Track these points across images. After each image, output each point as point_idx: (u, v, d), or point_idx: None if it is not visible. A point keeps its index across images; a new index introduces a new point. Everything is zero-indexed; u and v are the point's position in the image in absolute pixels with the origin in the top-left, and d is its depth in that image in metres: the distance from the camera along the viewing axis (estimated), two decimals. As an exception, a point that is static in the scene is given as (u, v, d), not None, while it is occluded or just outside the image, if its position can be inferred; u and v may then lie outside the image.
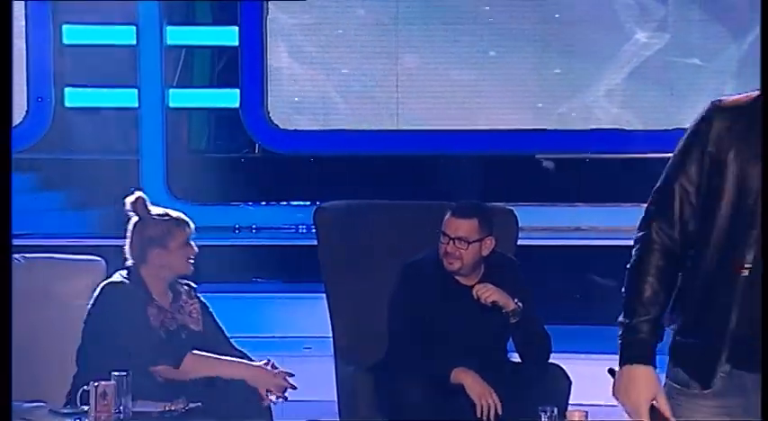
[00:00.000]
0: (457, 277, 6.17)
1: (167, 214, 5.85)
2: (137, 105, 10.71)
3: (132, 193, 5.87)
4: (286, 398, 5.74)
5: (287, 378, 5.72)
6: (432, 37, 10.64)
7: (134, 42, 10.66)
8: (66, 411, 5.41)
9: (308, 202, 9.30)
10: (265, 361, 5.79)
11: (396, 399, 5.97)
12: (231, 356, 5.82)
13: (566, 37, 10.52)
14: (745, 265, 3.32)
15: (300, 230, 9.99)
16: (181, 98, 10.92)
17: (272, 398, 5.69)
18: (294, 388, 5.73)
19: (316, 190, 9.75)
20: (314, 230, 6.74)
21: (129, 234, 5.85)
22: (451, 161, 10.50)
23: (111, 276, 5.82)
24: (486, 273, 6.19)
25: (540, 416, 5.74)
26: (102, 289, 5.68)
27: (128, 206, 5.81)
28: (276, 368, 5.75)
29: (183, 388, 5.53)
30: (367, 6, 10.67)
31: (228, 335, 5.99)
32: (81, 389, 5.21)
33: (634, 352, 3.44)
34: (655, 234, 3.45)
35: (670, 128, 9.99)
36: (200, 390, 5.52)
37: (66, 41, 10.60)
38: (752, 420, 3.34)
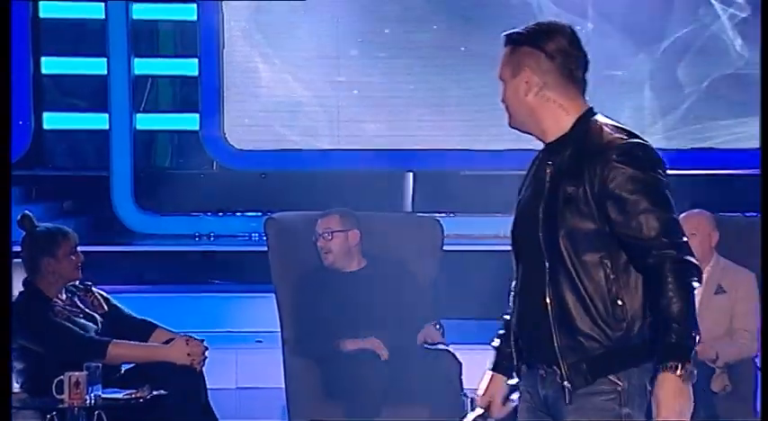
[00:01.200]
0: (339, 268, 6.30)
1: (53, 227, 5.86)
2: (108, 128, 10.65)
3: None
4: (204, 361, 5.66)
5: (201, 345, 5.67)
6: (369, 67, 10.65)
7: (105, 72, 10.61)
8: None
9: (260, 213, 9.25)
10: (184, 336, 5.72)
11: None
12: (136, 325, 5.82)
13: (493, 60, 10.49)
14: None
15: (253, 238, 9.96)
16: (147, 122, 10.90)
17: (196, 365, 5.63)
18: (207, 350, 5.64)
19: (266, 202, 9.72)
20: (265, 238, 6.74)
21: (21, 249, 5.82)
22: (384, 176, 10.51)
23: None
24: (370, 264, 6.34)
25: (464, 402, 5.78)
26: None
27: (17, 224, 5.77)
28: (192, 339, 5.68)
29: (145, 375, 5.51)
30: (311, 42, 10.68)
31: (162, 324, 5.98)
32: (56, 380, 5.19)
33: None
34: None
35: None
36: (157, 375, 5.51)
37: (44, 71, 10.56)
38: None
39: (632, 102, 10.51)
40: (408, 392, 6.02)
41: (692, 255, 3.23)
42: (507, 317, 3.45)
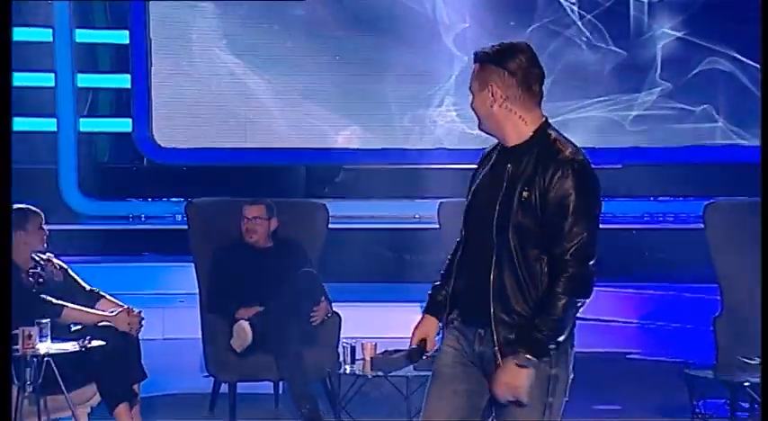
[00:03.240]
0: (255, 246, 6.28)
1: (25, 207, 5.81)
2: (56, 130, 10.59)
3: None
4: (141, 329, 5.62)
5: (138, 316, 5.63)
6: (273, 80, 10.65)
7: (53, 85, 10.54)
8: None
9: (182, 199, 9.22)
10: (126, 308, 5.68)
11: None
12: (87, 293, 5.78)
13: (395, 64, 10.56)
14: None
15: (177, 218, 9.92)
16: (88, 125, 10.80)
17: (133, 332, 5.61)
18: (143, 320, 5.62)
19: (187, 190, 9.68)
20: (186, 219, 6.71)
21: None
22: (285, 170, 10.52)
23: None
24: (276, 245, 6.31)
25: (344, 348, 5.80)
26: None
27: None
28: (132, 311, 5.65)
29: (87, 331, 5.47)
30: (224, 58, 10.65)
31: (92, 287, 5.88)
32: (12, 333, 5.14)
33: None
34: None
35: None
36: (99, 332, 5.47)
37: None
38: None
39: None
40: (296, 342, 6.03)
41: (592, 275, 3.17)
42: (443, 272, 3.43)
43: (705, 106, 10.54)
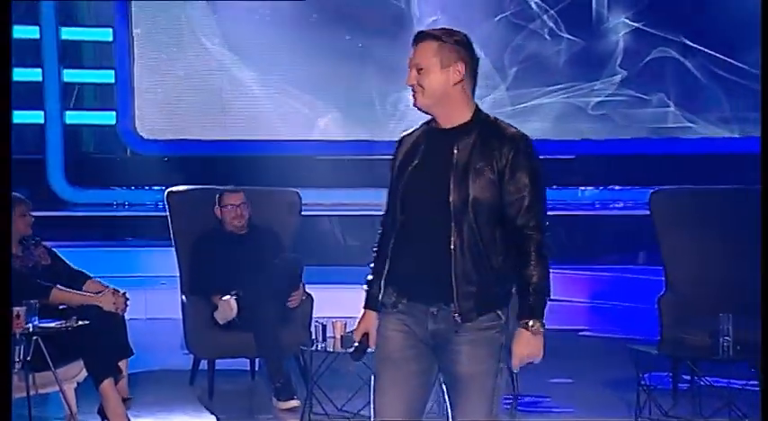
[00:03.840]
0: (233, 232, 6.25)
1: (12, 194, 5.77)
2: (43, 122, 10.52)
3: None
4: (126, 309, 5.60)
5: (123, 297, 5.62)
6: (250, 74, 10.62)
7: (41, 79, 10.47)
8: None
9: (163, 187, 9.19)
10: (111, 289, 5.66)
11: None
12: (73, 274, 5.76)
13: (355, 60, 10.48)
14: None
15: (158, 206, 9.88)
16: (74, 117, 10.74)
17: (119, 311, 5.58)
18: (128, 300, 5.60)
19: (167, 179, 9.64)
20: (166, 206, 6.69)
21: None
22: (261, 160, 10.49)
23: None
24: (252, 231, 6.28)
25: (316, 327, 5.80)
26: None
27: None
28: (117, 292, 5.62)
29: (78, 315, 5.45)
30: (203, 56, 10.60)
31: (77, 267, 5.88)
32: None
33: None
34: None
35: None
36: (86, 311, 5.45)
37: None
38: None
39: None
40: (272, 322, 6.03)
41: (546, 233, 3.19)
42: (374, 265, 3.30)
43: (659, 93, 10.57)
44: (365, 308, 3.33)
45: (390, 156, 3.32)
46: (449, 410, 3.25)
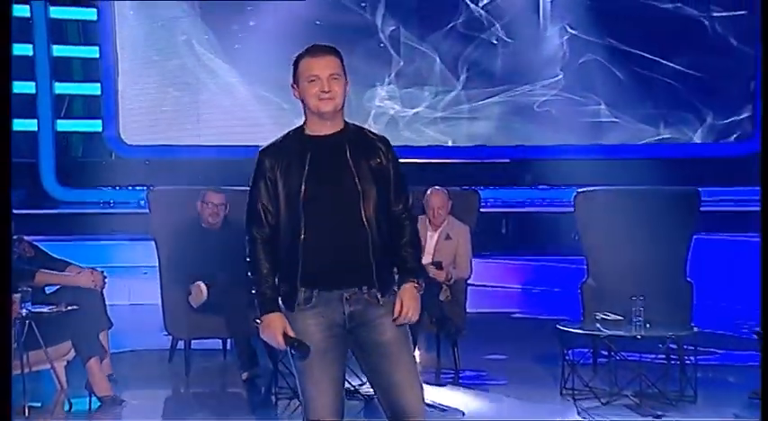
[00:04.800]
0: (210, 228, 6.20)
1: None
2: (37, 129, 10.44)
3: None
4: (104, 286, 5.54)
5: (101, 274, 5.57)
6: (222, 83, 10.59)
7: (34, 92, 10.40)
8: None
9: (144, 187, 9.15)
10: (89, 269, 5.60)
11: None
12: (55, 261, 5.68)
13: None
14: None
15: (140, 203, 9.83)
16: (65, 125, 10.68)
17: (97, 288, 5.54)
18: (106, 278, 5.54)
19: (149, 180, 9.61)
20: (147, 203, 6.65)
21: None
22: (232, 163, 10.45)
23: None
24: (225, 226, 6.19)
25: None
26: None
27: None
28: (95, 271, 5.56)
29: (62, 296, 5.40)
30: (183, 69, 10.54)
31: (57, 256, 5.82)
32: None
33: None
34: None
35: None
36: (70, 291, 5.41)
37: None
38: None
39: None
40: (241, 306, 6.00)
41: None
42: (259, 272, 3.16)
43: (591, 94, 10.62)
44: (267, 313, 3.14)
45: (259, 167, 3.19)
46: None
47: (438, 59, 10.39)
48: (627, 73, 10.53)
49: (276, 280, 3.16)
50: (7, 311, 3.45)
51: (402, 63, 10.46)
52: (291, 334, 3.10)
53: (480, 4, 10.51)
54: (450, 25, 10.49)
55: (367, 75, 10.33)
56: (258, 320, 3.18)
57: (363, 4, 10.51)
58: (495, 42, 10.54)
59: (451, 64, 10.42)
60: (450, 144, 10.55)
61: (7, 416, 3.23)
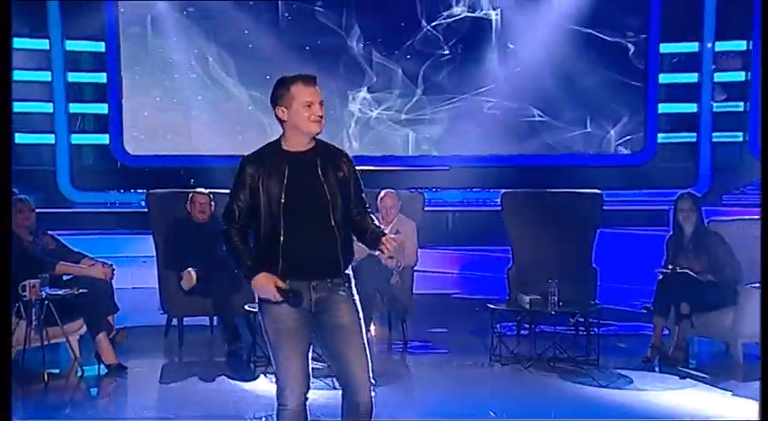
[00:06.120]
0: (200, 223, 6.15)
1: (19, 196, 5.69)
2: (54, 142, 10.33)
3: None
4: (113, 277, 5.51)
5: (111, 268, 5.53)
6: (210, 109, 10.51)
7: (52, 111, 10.28)
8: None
9: (144, 190, 9.07)
10: (101, 262, 5.57)
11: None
12: (73, 253, 5.64)
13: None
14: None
15: (141, 204, 9.73)
16: (78, 139, 10.52)
17: (107, 279, 5.50)
18: (114, 270, 5.50)
19: (148, 184, 9.50)
20: (147, 204, 6.60)
21: None
22: (219, 169, 10.40)
23: None
24: (212, 221, 6.09)
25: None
26: None
27: None
28: (106, 264, 5.53)
29: (77, 282, 5.36)
30: (179, 90, 10.44)
31: (75, 248, 5.77)
32: (21, 284, 5.02)
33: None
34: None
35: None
36: (83, 279, 5.36)
37: (15, 110, 10.04)
38: None
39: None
40: (225, 288, 5.97)
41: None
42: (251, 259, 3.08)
43: (526, 101, 10.54)
44: (254, 275, 3.06)
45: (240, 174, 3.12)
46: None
47: (401, 71, 10.38)
48: (559, 82, 10.47)
49: (252, 257, 3.08)
50: (7, 301, 3.41)
51: (375, 77, 10.41)
52: (282, 286, 3.05)
53: (432, 25, 10.45)
54: (409, 43, 10.47)
55: (346, 83, 10.33)
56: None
57: (342, 29, 10.45)
58: (448, 56, 10.49)
59: (413, 75, 10.40)
60: (412, 142, 10.53)
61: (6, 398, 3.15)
